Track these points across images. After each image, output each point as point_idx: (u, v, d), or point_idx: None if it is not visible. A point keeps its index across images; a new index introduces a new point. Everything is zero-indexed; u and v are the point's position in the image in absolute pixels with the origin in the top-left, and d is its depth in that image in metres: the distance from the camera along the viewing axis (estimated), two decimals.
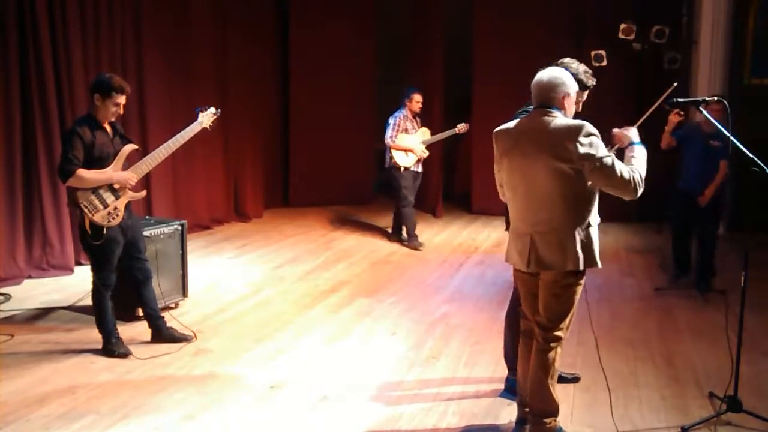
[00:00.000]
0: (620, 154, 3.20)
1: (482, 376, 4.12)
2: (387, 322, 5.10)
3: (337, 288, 6.01)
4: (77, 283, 5.87)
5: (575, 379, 3.97)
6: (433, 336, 4.82)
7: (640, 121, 3.43)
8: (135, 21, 7.19)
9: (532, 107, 3.50)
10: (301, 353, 4.49)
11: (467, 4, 9.76)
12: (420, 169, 7.71)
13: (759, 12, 8.38)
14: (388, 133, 7.50)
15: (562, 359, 3.24)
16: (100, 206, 4.22)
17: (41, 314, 5.20)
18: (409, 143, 7.52)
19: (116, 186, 4.28)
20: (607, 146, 3.14)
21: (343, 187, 10.31)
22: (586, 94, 3.59)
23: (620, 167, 3.01)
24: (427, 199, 9.89)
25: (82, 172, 4.13)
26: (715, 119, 3.87)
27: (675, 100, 3.88)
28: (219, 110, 4.78)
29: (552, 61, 3.57)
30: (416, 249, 7.52)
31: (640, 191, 3.05)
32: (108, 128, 4.31)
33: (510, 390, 3.79)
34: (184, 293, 5.40)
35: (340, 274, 6.48)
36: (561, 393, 3.75)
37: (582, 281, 3.18)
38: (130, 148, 4.40)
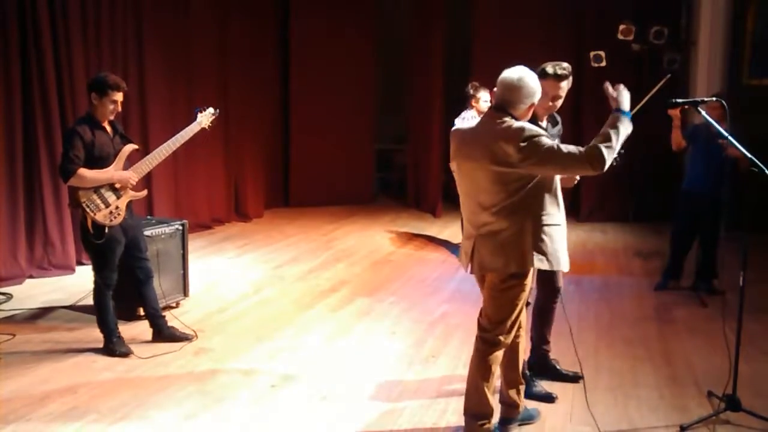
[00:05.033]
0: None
1: None
2: (387, 322, 5.11)
3: (337, 287, 6.02)
4: (78, 283, 5.88)
5: (576, 378, 3.93)
6: (433, 335, 4.83)
7: (633, 111, 3.42)
8: (136, 20, 7.21)
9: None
10: (302, 352, 4.50)
11: (467, 4, 9.77)
12: None
13: (758, 13, 8.38)
14: None
15: (497, 365, 3.22)
16: (102, 205, 4.23)
17: (42, 314, 5.21)
18: None
19: (117, 185, 4.30)
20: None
21: (343, 187, 10.32)
22: (562, 84, 3.54)
23: (567, 148, 2.91)
24: (427, 199, 9.92)
25: (83, 171, 4.14)
26: (713, 119, 3.87)
27: (674, 100, 3.91)
28: (218, 110, 4.79)
29: (551, 61, 3.59)
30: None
31: (603, 165, 2.89)
32: (108, 128, 4.33)
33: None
34: (185, 292, 5.41)
35: (340, 274, 6.49)
36: (560, 392, 3.79)
37: (526, 283, 3.13)
38: (130, 147, 4.41)
